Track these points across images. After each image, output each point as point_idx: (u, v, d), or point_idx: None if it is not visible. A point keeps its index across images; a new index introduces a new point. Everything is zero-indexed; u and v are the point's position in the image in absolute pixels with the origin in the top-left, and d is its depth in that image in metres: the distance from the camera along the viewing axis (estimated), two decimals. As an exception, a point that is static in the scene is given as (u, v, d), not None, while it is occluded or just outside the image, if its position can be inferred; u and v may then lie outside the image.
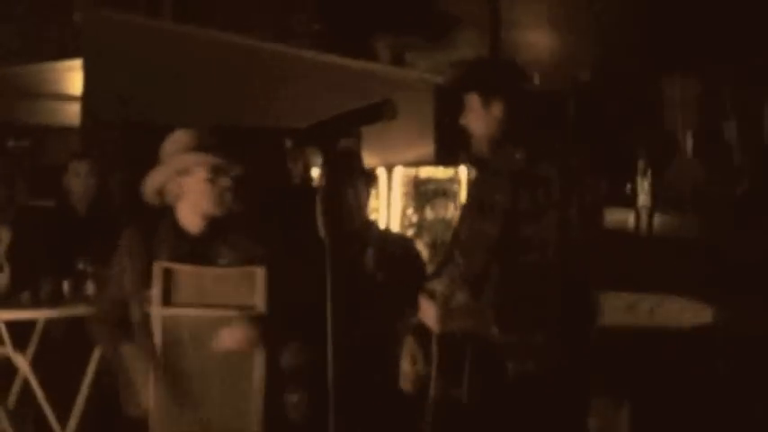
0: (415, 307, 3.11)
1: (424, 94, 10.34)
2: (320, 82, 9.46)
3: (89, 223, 5.22)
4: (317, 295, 2.27)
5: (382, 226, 9.15)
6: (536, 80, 12.35)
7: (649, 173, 11.11)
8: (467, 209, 3.23)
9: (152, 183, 3.07)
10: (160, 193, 3.08)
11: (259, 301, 3.00)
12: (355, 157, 4.06)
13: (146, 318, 3.00)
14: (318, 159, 3.57)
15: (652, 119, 10.45)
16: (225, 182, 3.04)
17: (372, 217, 8.58)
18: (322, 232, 2.31)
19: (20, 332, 4.99)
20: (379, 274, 3.81)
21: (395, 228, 9.13)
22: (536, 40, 13.60)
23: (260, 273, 3.00)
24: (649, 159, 10.83)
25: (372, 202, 9.14)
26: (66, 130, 9.37)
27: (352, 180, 3.70)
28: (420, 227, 9.38)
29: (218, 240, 3.06)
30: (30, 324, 5.05)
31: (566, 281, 2.90)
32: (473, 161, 3.16)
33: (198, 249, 3.03)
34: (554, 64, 12.64)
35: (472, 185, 3.20)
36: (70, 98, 9.33)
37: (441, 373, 2.99)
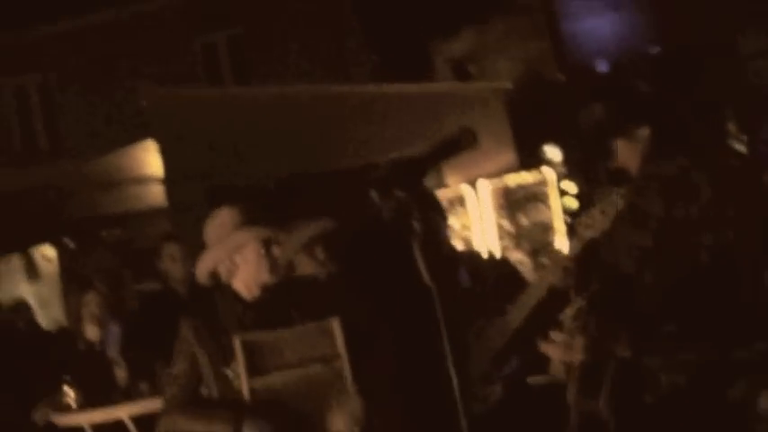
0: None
1: (494, 102, 10.24)
2: (389, 113, 9.44)
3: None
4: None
5: (480, 242, 9.12)
6: (604, 65, 12.14)
7: (743, 136, 10.76)
8: (619, 218, 3.14)
9: (205, 265, 3.08)
10: (213, 274, 3.09)
11: (341, 350, 2.98)
12: (428, 191, 3.97)
13: (225, 396, 2.98)
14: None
15: (735, 78, 10.14)
16: (277, 251, 3.05)
17: (464, 235, 8.47)
18: (426, 278, 2.23)
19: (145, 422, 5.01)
20: (475, 288, 3.78)
21: (492, 240, 9.02)
22: (597, 23, 13.37)
23: (335, 323, 2.99)
24: (741, 119, 10.47)
25: (465, 220, 9.08)
26: (153, 213, 9.51)
27: (432, 214, 3.63)
28: (518, 236, 9.23)
29: (282, 303, 3.05)
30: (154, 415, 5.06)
31: (722, 290, 2.79)
32: (621, 179, 3.11)
33: (264, 316, 3.02)
34: (619, 47, 12.41)
35: (622, 196, 3.12)
36: (151, 180, 9.48)
37: (579, 383, 2.89)
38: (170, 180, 8.87)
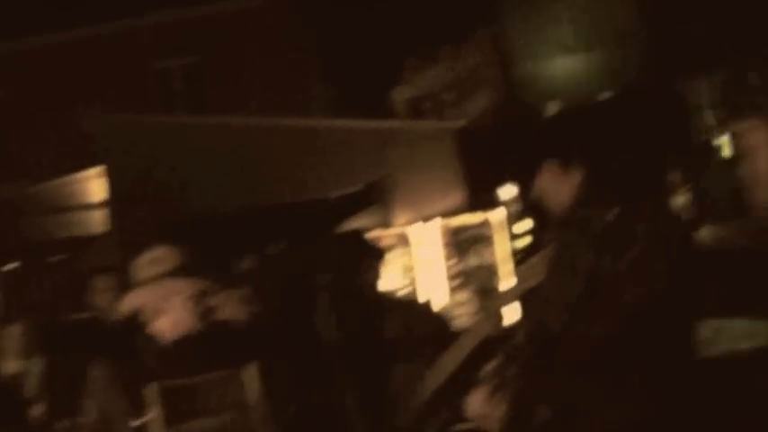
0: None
1: (445, 141, 10.24)
2: (339, 148, 9.41)
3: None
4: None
5: (423, 281, 9.06)
6: (557, 107, 12.22)
7: (684, 187, 10.85)
8: (546, 268, 3.05)
9: (131, 304, 3.01)
10: (137, 313, 3.02)
11: (254, 399, 2.93)
12: (362, 237, 3.91)
13: None
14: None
15: (680, 128, 10.25)
16: (209, 301, 2.99)
17: (407, 277, 8.41)
18: (332, 333, 2.19)
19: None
20: (404, 339, 3.72)
21: (439, 281, 8.97)
22: (550, 66, 13.48)
23: (250, 372, 2.94)
24: (684, 170, 10.57)
25: (410, 260, 9.02)
26: (98, 239, 9.38)
27: (365, 261, 3.57)
28: (463, 276, 9.19)
29: (202, 349, 2.99)
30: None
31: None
32: (554, 220, 3.01)
33: (183, 362, 2.95)
34: (572, 89, 12.51)
35: (551, 244, 3.03)
36: (97, 206, 9.36)
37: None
38: (115, 207, 8.75)
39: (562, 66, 13.31)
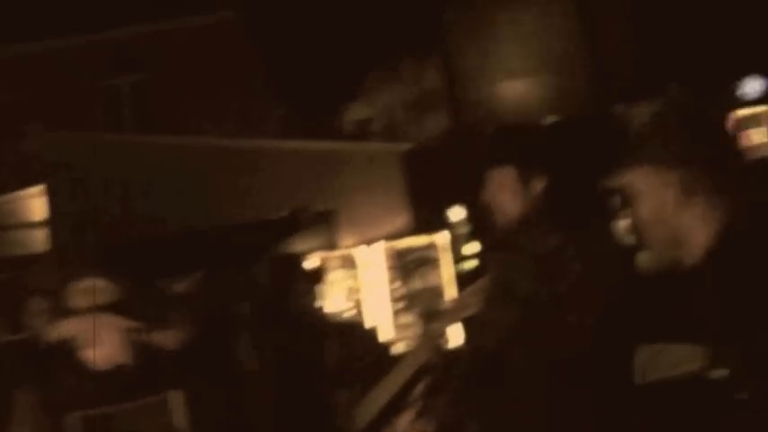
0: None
1: (392, 163, 10.27)
2: (286, 169, 9.38)
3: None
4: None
5: (369, 304, 9.03)
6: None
7: (625, 212, 10.88)
8: (484, 292, 2.93)
9: (62, 333, 2.97)
10: (67, 342, 2.97)
11: (181, 425, 2.90)
12: (296, 262, 3.87)
13: None
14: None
15: (624, 153, 10.37)
16: (141, 335, 2.96)
17: (351, 299, 8.36)
18: (251, 363, 2.16)
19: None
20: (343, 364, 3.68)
21: (383, 303, 8.95)
22: (496, 91, 13.60)
23: (177, 398, 2.90)
24: (623, 197, 10.65)
25: (355, 282, 8.99)
26: (37, 258, 9.22)
27: (296, 285, 3.54)
28: (408, 299, 9.18)
29: (127, 376, 2.95)
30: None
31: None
32: (495, 243, 2.87)
33: (108, 390, 2.91)
34: (517, 113, 12.61)
35: (491, 268, 2.88)
36: (38, 225, 9.21)
37: None
38: (55, 227, 8.63)
39: (508, 90, 13.42)
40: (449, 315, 3.19)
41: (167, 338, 3.40)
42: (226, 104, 15.92)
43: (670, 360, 3.72)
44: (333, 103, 17.39)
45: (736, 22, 12.42)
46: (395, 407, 3.44)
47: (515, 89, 13.44)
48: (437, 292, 9.19)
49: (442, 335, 3.27)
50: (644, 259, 2.45)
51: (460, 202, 11.55)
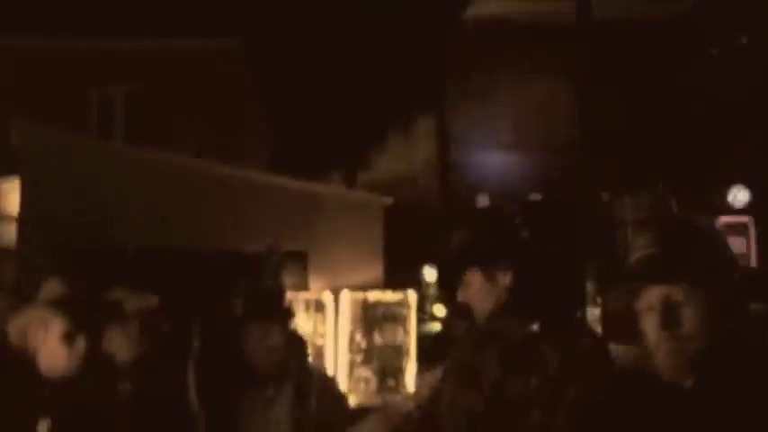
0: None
1: (373, 214, 10.21)
2: (267, 203, 9.31)
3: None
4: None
5: (329, 352, 8.92)
6: (486, 200, 12.33)
7: (599, 300, 10.97)
8: (452, 374, 2.92)
9: (15, 325, 2.85)
10: (23, 336, 2.86)
11: None
12: (270, 298, 3.75)
13: None
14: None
15: (601, 242, 10.43)
16: (81, 344, 2.83)
17: (318, 343, 8.23)
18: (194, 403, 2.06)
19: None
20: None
21: (342, 353, 8.85)
22: (486, 160, 13.67)
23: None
24: (600, 285, 10.73)
25: (319, 328, 8.88)
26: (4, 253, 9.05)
27: (268, 322, 3.43)
28: (369, 352, 9.09)
29: (82, 390, 2.82)
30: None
31: None
32: (471, 327, 2.89)
33: (64, 402, 2.78)
34: (504, 184, 12.69)
35: (459, 349, 2.91)
36: (9, 219, 9.05)
37: None
38: (25, 222, 8.48)
39: (495, 160, 13.50)
40: (417, 391, 3.13)
41: (118, 352, 3.29)
42: (215, 130, 15.90)
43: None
44: (315, 147, 17.42)
45: (724, 133, 12.65)
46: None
47: (503, 160, 13.53)
48: (399, 349, 9.10)
49: (408, 407, 3.18)
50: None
51: (434, 263, 11.52)
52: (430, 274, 11.35)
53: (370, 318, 9.13)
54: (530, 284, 2.84)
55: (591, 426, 2.66)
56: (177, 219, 8.55)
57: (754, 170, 11.41)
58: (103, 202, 8.39)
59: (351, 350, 8.98)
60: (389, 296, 9.31)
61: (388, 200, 10.41)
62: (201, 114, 15.80)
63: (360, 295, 9.11)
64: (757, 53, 12.07)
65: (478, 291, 2.83)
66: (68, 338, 2.81)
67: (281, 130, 17.27)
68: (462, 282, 2.86)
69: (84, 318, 2.85)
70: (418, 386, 3.06)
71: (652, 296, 2.11)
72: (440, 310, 10.34)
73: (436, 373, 3.06)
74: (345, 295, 9.01)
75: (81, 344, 2.84)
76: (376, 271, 9.87)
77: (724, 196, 11.23)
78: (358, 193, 12.47)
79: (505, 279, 2.81)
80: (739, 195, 11.34)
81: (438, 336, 10.52)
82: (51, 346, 2.80)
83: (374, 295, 9.23)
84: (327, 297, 8.87)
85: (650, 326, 2.13)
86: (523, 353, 2.70)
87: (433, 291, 11.19)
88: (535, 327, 2.75)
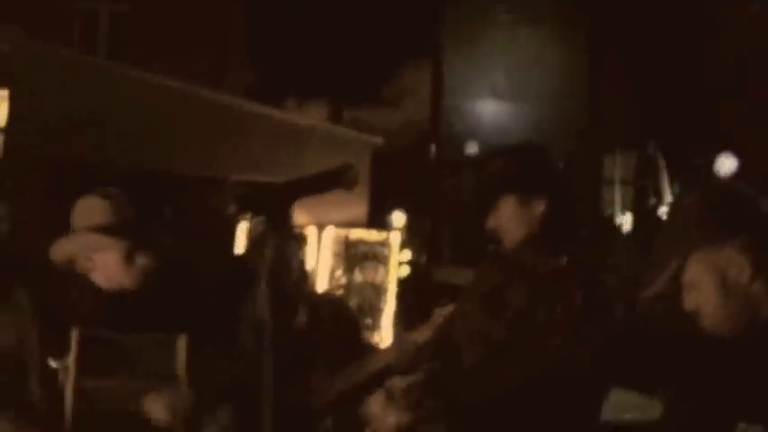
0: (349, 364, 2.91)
1: (361, 154, 10.19)
2: (256, 135, 9.24)
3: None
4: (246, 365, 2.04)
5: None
6: (475, 149, 12.34)
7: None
8: (473, 299, 2.94)
9: (62, 252, 2.81)
10: (70, 261, 2.82)
11: (181, 371, 2.75)
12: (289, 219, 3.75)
13: (48, 390, 2.67)
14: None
15: (592, 199, 10.52)
16: (142, 260, 2.80)
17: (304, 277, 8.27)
18: (263, 312, 2.05)
19: None
20: (312, 334, 3.60)
21: (322, 288, 8.89)
22: (478, 109, 13.64)
23: (182, 341, 2.76)
24: (591, 241, 10.82)
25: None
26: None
27: (287, 243, 3.44)
28: (348, 289, 9.14)
29: (137, 308, 2.80)
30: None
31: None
32: (498, 255, 2.91)
33: (116, 316, 2.76)
34: (495, 133, 12.68)
35: (483, 275, 2.93)
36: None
37: None
38: (11, 133, 8.37)
39: (488, 109, 13.48)
40: (433, 320, 3.15)
41: (171, 275, 3.27)
42: (199, 56, 15.71)
43: (619, 405, 3.74)
44: (299, 82, 17.26)
45: (714, 99, 12.74)
46: (359, 391, 3.34)
47: (495, 109, 13.51)
48: (377, 288, 9.17)
49: (416, 340, 3.21)
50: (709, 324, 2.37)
51: (409, 208, 11.56)
52: (398, 219, 11.41)
53: (352, 255, 9.17)
54: (561, 216, 2.88)
55: (608, 360, 2.74)
56: (164, 141, 8.48)
57: (742, 138, 11.53)
58: (91, 118, 8.29)
59: (331, 285, 9.02)
60: (372, 235, 9.35)
61: (378, 140, 10.40)
62: (184, 39, 15.59)
63: (343, 232, 9.13)
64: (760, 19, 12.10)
65: (510, 217, 2.85)
66: (128, 259, 2.78)
67: (267, 62, 17.08)
68: (495, 207, 2.87)
69: (140, 237, 2.81)
70: (434, 316, 3.08)
71: (708, 257, 2.13)
72: (406, 255, 10.42)
73: (449, 308, 3.09)
74: (329, 231, 9.03)
75: (142, 261, 2.80)
76: (361, 209, 9.89)
77: (711, 162, 11.35)
78: (346, 131, 12.43)
79: (539, 207, 2.83)
80: (727, 163, 11.47)
81: (404, 280, 10.60)
82: (110, 265, 2.77)
83: (357, 233, 9.26)
84: (311, 232, 8.88)
85: (705, 286, 2.15)
86: (549, 285, 2.74)
87: (400, 236, 11.25)
88: (563, 261, 2.80)
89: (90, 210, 2.81)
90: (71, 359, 2.63)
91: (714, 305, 2.10)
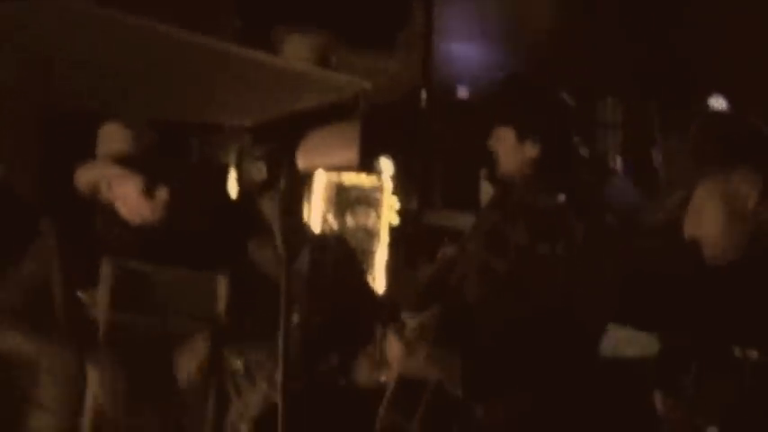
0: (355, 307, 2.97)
1: (351, 98, 10.11)
2: (244, 78, 9.16)
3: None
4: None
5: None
6: (465, 92, 12.30)
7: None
8: (478, 237, 2.99)
9: (84, 179, 2.79)
10: (94, 188, 2.80)
11: (222, 311, 2.72)
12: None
13: (71, 323, 2.66)
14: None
15: (584, 141, 10.49)
16: (163, 193, 2.79)
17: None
18: (279, 239, 2.07)
19: None
20: (315, 276, 3.64)
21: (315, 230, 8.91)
22: (469, 52, 13.54)
23: (223, 281, 2.73)
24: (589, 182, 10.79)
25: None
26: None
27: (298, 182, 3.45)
28: (340, 234, 9.16)
29: (168, 240, 2.78)
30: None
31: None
32: (498, 181, 2.96)
33: (146, 247, 2.74)
34: (485, 77, 12.61)
35: (486, 214, 2.97)
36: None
37: (393, 403, 2.77)
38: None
39: (478, 52, 13.40)
40: (439, 257, 3.19)
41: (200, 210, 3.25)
42: (185, 7, 15.50)
43: (617, 341, 3.78)
44: (290, 27, 17.05)
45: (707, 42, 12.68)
46: (353, 332, 3.38)
47: (485, 52, 13.44)
48: (370, 233, 9.19)
49: (422, 283, 3.24)
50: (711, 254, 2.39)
51: (399, 153, 11.52)
52: (386, 165, 11.38)
53: (344, 200, 9.19)
54: (556, 159, 2.93)
55: (609, 297, 2.78)
56: (151, 85, 8.41)
57: (731, 81, 11.55)
58: (75, 60, 8.20)
59: (322, 230, 9.05)
60: (364, 180, 9.35)
61: (367, 84, 10.31)
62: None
63: (334, 176, 9.12)
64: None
65: (507, 151, 3.01)
66: (148, 192, 2.76)
67: (254, 7, 16.87)
68: (495, 133, 3.03)
69: (159, 169, 2.80)
70: (440, 254, 3.12)
71: (714, 184, 2.15)
72: (397, 199, 10.42)
73: (453, 248, 3.12)
74: (320, 175, 9.02)
75: (162, 194, 2.79)
76: (351, 154, 9.84)
77: (703, 104, 11.36)
78: (336, 74, 12.32)
79: (533, 151, 2.90)
80: (716, 105, 11.48)
81: (395, 228, 10.62)
82: (132, 199, 2.76)
83: (349, 178, 9.26)
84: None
85: (711, 211, 2.17)
86: (551, 222, 2.80)
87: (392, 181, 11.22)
88: (562, 199, 2.85)
89: (110, 136, 2.80)
90: (102, 291, 2.58)
91: (719, 231, 2.13)
